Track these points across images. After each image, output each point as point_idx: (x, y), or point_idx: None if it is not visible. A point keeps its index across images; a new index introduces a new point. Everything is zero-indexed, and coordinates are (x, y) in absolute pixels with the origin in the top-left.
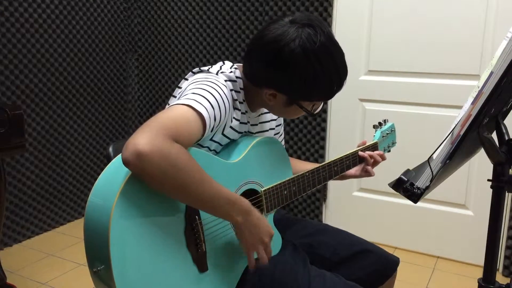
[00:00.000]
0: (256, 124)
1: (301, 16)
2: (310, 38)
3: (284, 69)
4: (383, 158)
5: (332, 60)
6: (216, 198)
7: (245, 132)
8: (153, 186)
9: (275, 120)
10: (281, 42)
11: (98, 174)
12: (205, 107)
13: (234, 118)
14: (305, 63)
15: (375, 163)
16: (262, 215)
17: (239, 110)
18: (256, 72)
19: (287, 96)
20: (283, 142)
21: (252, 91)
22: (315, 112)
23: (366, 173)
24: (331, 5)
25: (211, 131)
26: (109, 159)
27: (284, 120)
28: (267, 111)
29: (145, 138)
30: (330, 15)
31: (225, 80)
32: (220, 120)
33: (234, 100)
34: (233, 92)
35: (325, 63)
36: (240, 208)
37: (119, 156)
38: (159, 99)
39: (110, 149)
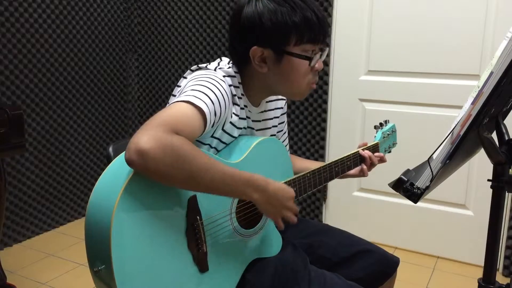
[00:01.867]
0: (259, 121)
1: None
2: None
3: (252, 22)
4: (384, 160)
5: None
6: (228, 180)
7: (244, 127)
8: (162, 181)
9: (278, 117)
10: (241, 4)
11: (98, 174)
12: (205, 103)
13: (233, 113)
14: (267, 5)
15: (372, 165)
16: (277, 181)
17: (238, 105)
18: (237, 46)
19: (272, 49)
20: (287, 140)
21: (250, 80)
22: (314, 61)
23: (360, 173)
24: (331, 5)
25: (212, 126)
26: (109, 159)
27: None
28: (270, 108)
29: (145, 136)
30: (330, 15)
31: (224, 76)
32: (220, 115)
33: (233, 95)
34: (232, 87)
35: None
36: (255, 185)
37: (120, 156)
38: (159, 99)
39: (110, 149)
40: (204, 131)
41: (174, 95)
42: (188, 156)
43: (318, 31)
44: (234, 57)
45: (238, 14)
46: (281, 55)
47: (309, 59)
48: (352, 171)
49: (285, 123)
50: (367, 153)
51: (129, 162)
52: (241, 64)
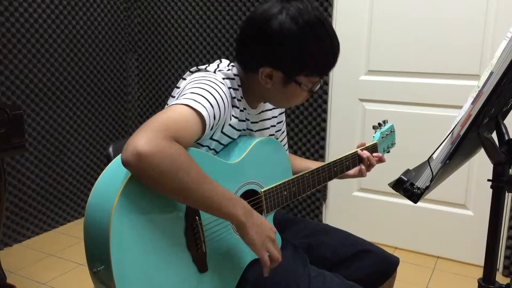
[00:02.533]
0: (257, 122)
1: None
2: (298, 8)
3: (275, 41)
4: (382, 161)
5: (323, 28)
6: (216, 199)
7: (243, 129)
8: (153, 187)
9: (276, 117)
10: (267, 15)
11: (98, 174)
12: (204, 106)
13: (232, 116)
14: (294, 32)
15: (371, 165)
16: (262, 215)
17: (238, 107)
18: (249, 55)
19: (283, 72)
20: (285, 140)
21: (250, 85)
22: (314, 90)
23: (359, 173)
24: (331, 5)
25: (211, 129)
26: (109, 159)
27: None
28: (268, 108)
29: (144, 139)
30: (330, 15)
31: (223, 78)
32: (219, 119)
33: (232, 98)
34: (231, 90)
35: (314, 30)
36: (242, 207)
37: (119, 157)
38: (159, 99)
39: (110, 149)
40: (202, 134)
41: (173, 96)
42: (184, 167)
43: (330, 69)
44: (240, 61)
45: (263, 25)
46: (289, 81)
47: (312, 89)
48: (351, 172)
49: (283, 122)
50: (365, 154)
51: (124, 163)
52: (245, 70)
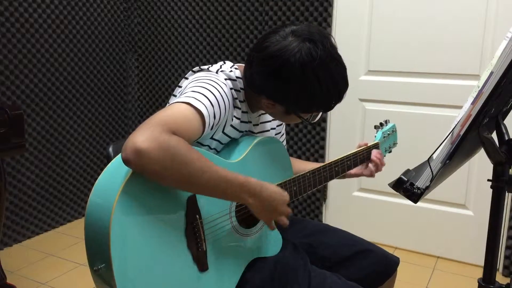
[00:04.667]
0: (258, 124)
1: (302, 28)
2: (309, 53)
3: (283, 83)
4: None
5: (331, 75)
6: (223, 183)
7: (246, 131)
8: (157, 181)
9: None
10: (280, 58)
11: (98, 174)
12: (204, 105)
13: (234, 116)
14: (303, 79)
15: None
16: (272, 184)
17: (240, 108)
18: (255, 81)
19: (285, 107)
20: (284, 142)
21: (252, 96)
22: (313, 121)
23: (369, 174)
24: (331, 5)
25: (211, 129)
26: (109, 159)
27: None
28: None
29: (143, 135)
30: (330, 15)
31: (225, 79)
32: (220, 118)
33: (234, 98)
34: (233, 90)
35: (322, 79)
36: (249, 189)
37: (119, 155)
38: (159, 99)
39: (110, 149)
40: (202, 133)
41: (175, 95)
42: (185, 157)
43: (334, 106)
44: (247, 74)
45: (276, 62)
46: (290, 114)
47: (313, 119)
48: (355, 171)
49: (283, 125)
50: (378, 159)
51: (125, 161)
52: (248, 84)
